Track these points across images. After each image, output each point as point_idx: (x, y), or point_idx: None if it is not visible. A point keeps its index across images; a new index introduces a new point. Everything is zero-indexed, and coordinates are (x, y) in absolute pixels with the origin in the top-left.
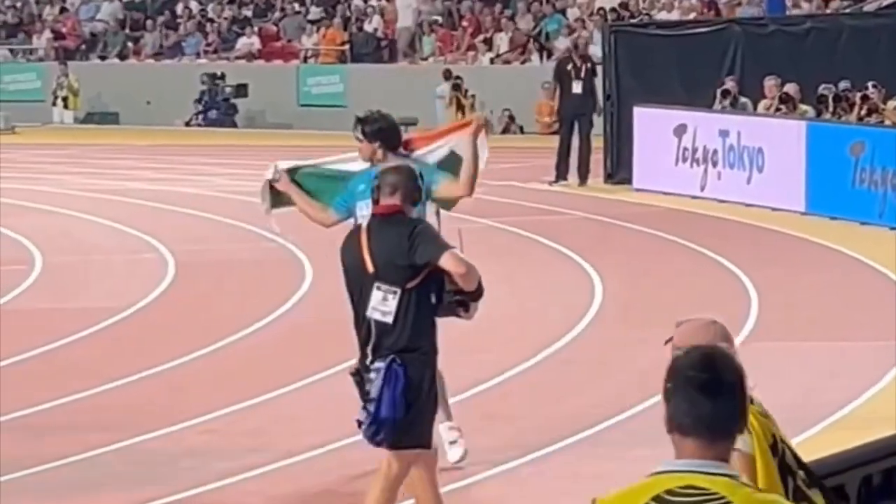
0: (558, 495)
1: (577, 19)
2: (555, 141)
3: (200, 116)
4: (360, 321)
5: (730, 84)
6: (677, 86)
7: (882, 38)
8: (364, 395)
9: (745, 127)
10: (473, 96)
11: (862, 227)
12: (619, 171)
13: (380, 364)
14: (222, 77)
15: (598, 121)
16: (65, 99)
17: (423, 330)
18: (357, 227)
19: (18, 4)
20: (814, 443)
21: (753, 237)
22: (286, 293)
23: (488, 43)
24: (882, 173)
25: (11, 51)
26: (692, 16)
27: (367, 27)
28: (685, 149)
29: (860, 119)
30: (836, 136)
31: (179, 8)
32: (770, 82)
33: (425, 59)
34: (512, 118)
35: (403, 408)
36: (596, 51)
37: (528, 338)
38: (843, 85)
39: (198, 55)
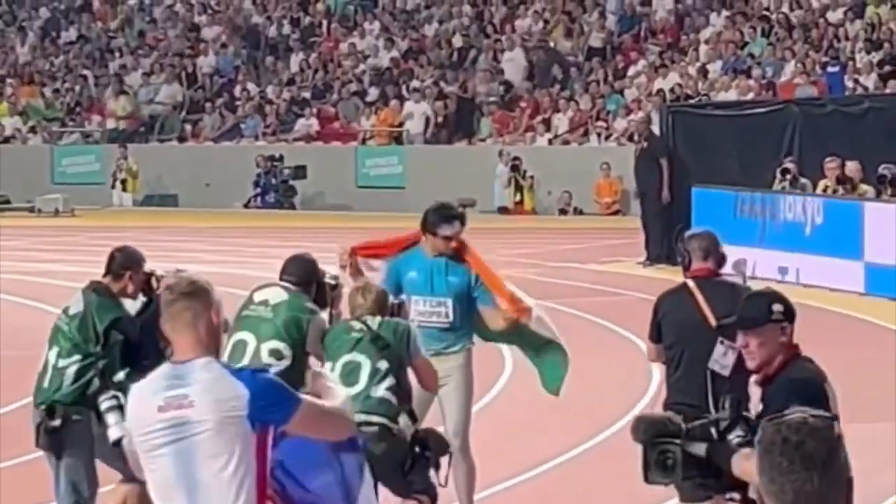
0: None
1: (635, 100)
2: (614, 221)
3: (259, 198)
4: (689, 372)
5: (789, 164)
6: (736, 166)
7: None
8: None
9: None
10: (532, 177)
11: None
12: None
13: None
14: (280, 159)
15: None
16: (123, 181)
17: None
18: (681, 286)
19: (77, 87)
20: None
21: (812, 318)
22: None
23: (546, 123)
24: None
25: (70, 133)
26: (750, 96)
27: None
28: None
29: None
30: None
31: (238, 90)
32: (832, 164)
33: (483, 140)
34: (570, 198)
35: None
36: (654, 131)
37: (586, 419)
38: None
39: (256, 137)
